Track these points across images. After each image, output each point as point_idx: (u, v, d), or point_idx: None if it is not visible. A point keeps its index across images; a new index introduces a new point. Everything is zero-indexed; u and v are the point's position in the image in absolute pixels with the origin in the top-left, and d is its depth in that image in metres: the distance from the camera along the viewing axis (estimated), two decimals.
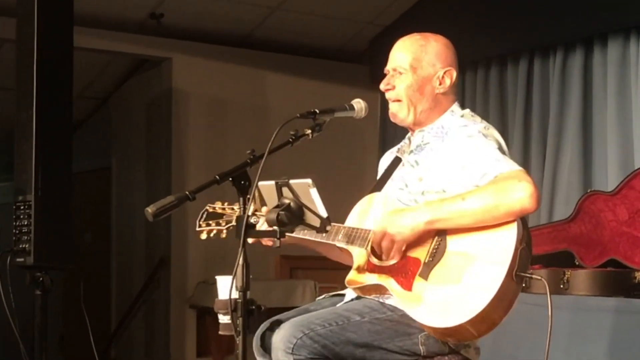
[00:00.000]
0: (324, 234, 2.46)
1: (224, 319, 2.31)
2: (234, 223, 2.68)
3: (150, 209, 2.15)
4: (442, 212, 2.40)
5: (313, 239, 2.58)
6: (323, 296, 2.74)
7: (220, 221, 2.73)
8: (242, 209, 2.22)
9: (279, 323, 2.46)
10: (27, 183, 3.71)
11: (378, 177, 2.77)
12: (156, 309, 6.73)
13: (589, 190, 4.54)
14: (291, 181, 2.25)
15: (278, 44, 6.70)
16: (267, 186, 2.28)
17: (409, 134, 2.75)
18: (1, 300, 3.61)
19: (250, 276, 2.19)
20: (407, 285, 2.41)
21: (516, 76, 5.84)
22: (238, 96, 6.66)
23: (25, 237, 3.70)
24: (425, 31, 2.70)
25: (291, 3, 6.18)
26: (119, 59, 6.88)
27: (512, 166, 2.42)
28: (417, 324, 2.39)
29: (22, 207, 3.73)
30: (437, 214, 2.40)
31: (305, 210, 2.23)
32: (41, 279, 3.69)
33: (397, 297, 2.42)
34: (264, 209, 2.53)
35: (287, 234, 2.24)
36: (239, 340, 2.16)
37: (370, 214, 2.61)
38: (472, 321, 2.29)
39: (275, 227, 2.20)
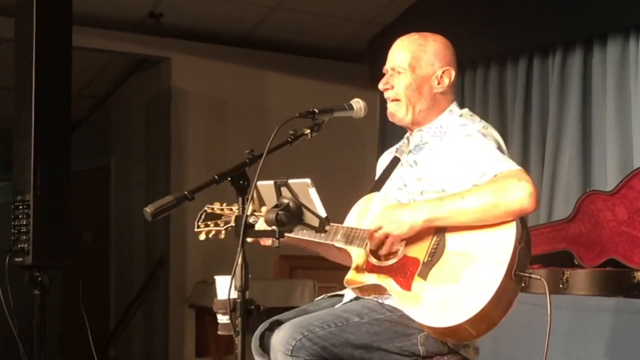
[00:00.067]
0: (322, 234, 2.46)
1: (223, 318, 2.31)
2: (232, 223, 2.67)
3: (149, 209, 2.15)
4: (440, 211, 2.40)
5: (312, 239, 2.58)
6: (321, 297, 2.74)
7: (219, 222, 2.72)
8: (240, 208, 2.21)
9: (278, 323, 2.45)
10: (25, 183, 3.71)
11: (376, 177, 2.77)
12: (155, 309, 6.73)
13: (588, 190, 4.53)
14: (290, 181, 2.24)
15: (277, 44, 6.70)
16: (266, 186, 2.28)
17: (407, 134, 2.74)
18: (0, 300, 3.60)
19: (250, 276, 2.18)
20: (406, 285, 2.41)
21: (515, 76, 5.84)
22: (237, 96, 6.66)
23: (24, 237, 3.70)
24: (425, 30, 2.70)
25: (290, 2, 6.18)
26: (118, 59, 6.88)
27: (511, 165, 2.42)
28: (416, 324, 2.38)
29: (20, 207, 3.73)
30: (435, 212, 2.40)
31: (304, 210, 2.23)
32: (40, 278, 3.69)
33: (396, 297, 2.42)
34: (263, 209, 2.52)
35: (285, 234, 2.24)
36: (237, 340, 2.16)
37: (369, 214, 2.60)
38: (471, 321, 2.29)
39: (274, 227, 2.20)
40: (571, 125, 5.41)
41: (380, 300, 2.48)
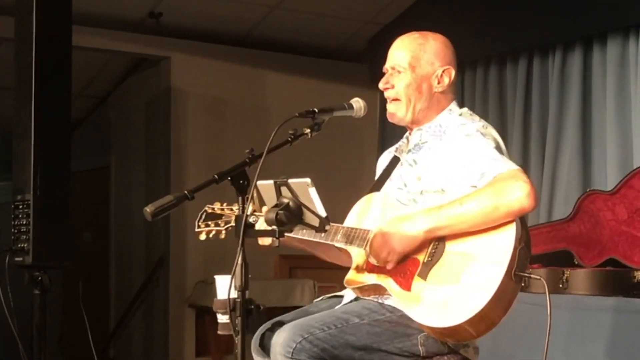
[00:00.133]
0: (322, 234, 2.46)
1: (222, 318, 2.31)
2: (232, 223, 2.67)
3: (149, 209, 2.15)
4: (441, 219, 2.39)
5: (312, 239, 2.57)
6: (320, 298, 2.73)
7: (219, 222, 2.72)
8: (240, 208, 2.21)
9: (279, 324, 2.45)
10: (25, 182, 3.71)
11: (376, 177, 2.77)
12: (155, 309, 6.73)
13: (588, 190, 4.53)
14: (290, 180, 2.24)
15: (277, 43, 6.70)
16: (265, 185, 2.28)
17: (407, 133, 2.74)
18: (0, 300, 3.60)
19: (249, 275, 2.18)
20: (406, 286, 2.41)
21: (515, 75, 5.84)
22: (237, 95, 6.66)
23: (24, 237, 3.69)
24: (425, 30, 2.70)
25: (290, 2, 6.18)
26: (118, 58, 6.88)
27: (509, 165, 2.41)
28: (416, 324, 2.38)
29: (20, 207, 3.73)
30: (436, 221, 2.40)
31: (304, 210, 2.22)
32: (40, 278, 3.68)
33: (395, 297, 2.42)
34: (264, 209, 2.52)
35: (285, 234, 2.24)
36: (237, 339, 2.16)
37: (369, 214, 2.60)
38: (471, 321, 2.29)
39: (274, 227, 2.20)
40: (571, 124, 5.41)
41: (380, 301, 2.48)
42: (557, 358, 3.57)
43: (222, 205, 2.75)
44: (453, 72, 2.65)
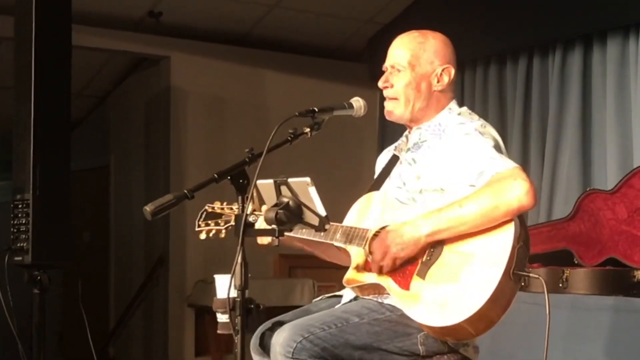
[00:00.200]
0: (322, 233, 2.45)
1: (222, 317, 2.31)
2: (232, 223, 2.66)
3: (148, 208, 2.15)
4: (441, 223, 2.39)
5: (311, 238, 2.57)
6: (319, 297, 2.73)
7: (220, 221, 2.72)
8: (240, 207, 2.21)
9: (279, 324, 2.45)
10: (25, 182, 3.71)
11: (375, 176, 2.76)
12: (155, 308, 6.73)
13: (588, 189, 4.53)
14: (290, 180, 2.24)
15: (276, 42, 6.70)
16: (265, 185, 2.28)
17: (406, 132, 2.74)
18: None
19: (249, 275, 2.18)
20: (405, 285, 2.41)
21: (515, 74, 5.84)
22: (236, 94, 6.66)
23: (24, 236, 3.69)
24: (424, 29, 2.70)
25: (289, 1, 6.18)
26: (118, 58, 6.88)
27: (507, 164, 2.41)
28: (416, 323, 2.38)
29: (20, 206, 3.73)
30: (436, 225, 2.39)
31: (304, 209, 2.22)
32: (39, 277, 3.68)
33: (395, 296, 2.42)
34: (263, 208, 2.52)
35: (285, 233, 2.24)
36: (237, 339, 2.16)
37: (369, 213, 2.60)
38: (469, 320, 2.28)
39: (274, 226, 2.20)
40: (571, 123, 5.41)
41: (379, 300, 2.48)
42: (556, 357, 3.57)
43: (222, 204, 2.75)
44: (453, 71, 2.64)
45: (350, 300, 2.57)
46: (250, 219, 2.19)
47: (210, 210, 2.75)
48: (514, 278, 2.32)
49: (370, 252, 2.48)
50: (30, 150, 3.69)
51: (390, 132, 6.09)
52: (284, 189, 2.24)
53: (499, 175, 2.38)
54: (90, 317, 3.82)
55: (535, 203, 2.36)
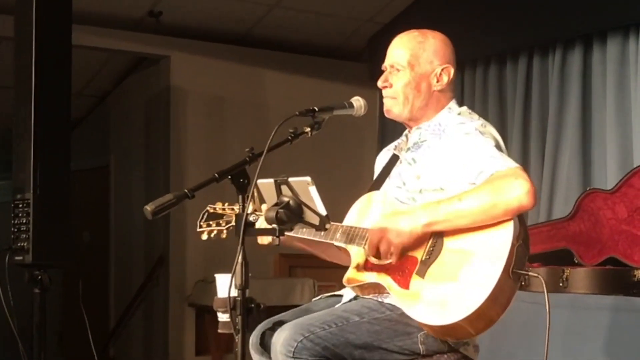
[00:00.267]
0: (322, 232, 2.46)
1: (223, 317, 2.31)
2: (233, 223, 2.67)
3: (149, 207, 2.15)
4: (439, 214, 2.39)
5: (312, 237, 2.57)
6: (319, 297, 2.73)
7: (221, 221, 2.73)
8: (241, 207, 2.21)
9: (279, 323, 2.45)
10: (25, 181, 3.71)
11: (375, 176, 2.77)
12: (155, 308, 6.73)
13: (588, 189, 4.53)
14: (290, 179, 2.24)
15: (276, 42, 6.70)
16: (266, 184, 2.28)
17: (406, 131, 2.74)
18: (0, 299, 3.60)
19: (249, 274, 2.18)
20: (404, 284, 2.41)
21: (515, 74, 5.84)
22: (236, 94, 6.66)
23: (24, 236, 3.69)
24: (424, 28, 2.70)
25: (289, 1, 6.18)
26: (118, 57, 6.88)
27: (508, 163, 2.41)
28: (416, 322, 2.38)
29: (20, 206, 3.73)
30: (434, 216, 2.39)
31: (305, 208, 2.23)
32: (40, 277, 3.68)
33: (395, 295, 2.42)
34: (264, 207, 2.52)
35: (285, 233, 2.24)
36: (238, 338, 2.16)
37: (369, 212, 2.60)
38: (469, 319, 2.29)
39: (274, 225, 2.20)
40: (571, 123, 5.41)
41: (379, 299, 2.48)
42: (556, 356, 3.57)
43: (223, 205, 2.75)
44: (452, 71, 2.64)
45: (350, 300, 2.57)
46: (251, 218, 2.20)
47: (211, 210, 2.76)
48: (514, 277, 2.32)
49: (369, 242, 2.47)
50: (30, 150, 3.69)
51: (390, 131, 6.10)
52: (284, 188, 2.24)
53: (499, 173, 2.38)
54: (90, 317, 3.82)
55: (535, 204, 2.36)
